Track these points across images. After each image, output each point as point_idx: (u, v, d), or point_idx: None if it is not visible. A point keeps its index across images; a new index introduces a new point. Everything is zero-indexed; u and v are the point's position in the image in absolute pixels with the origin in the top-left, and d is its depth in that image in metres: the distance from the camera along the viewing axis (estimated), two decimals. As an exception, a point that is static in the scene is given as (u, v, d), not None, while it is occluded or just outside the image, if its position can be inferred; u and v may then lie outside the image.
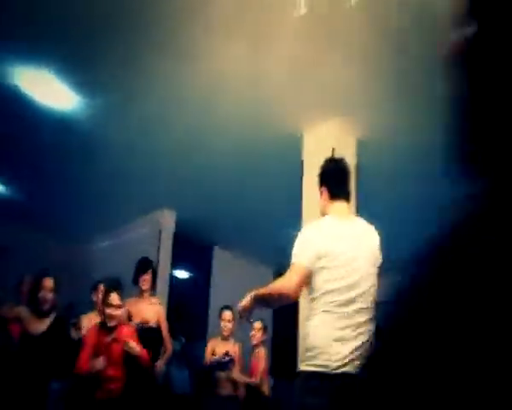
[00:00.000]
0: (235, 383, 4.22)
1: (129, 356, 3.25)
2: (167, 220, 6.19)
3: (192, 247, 7.03)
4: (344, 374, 1.90)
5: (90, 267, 7.23)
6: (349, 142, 3.96)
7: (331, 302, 1.97)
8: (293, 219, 4.22)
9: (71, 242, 7.63)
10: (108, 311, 3.23)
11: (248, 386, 4.31)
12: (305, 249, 2.03)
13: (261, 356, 4.37)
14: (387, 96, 3.54)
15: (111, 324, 3.24)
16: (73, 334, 3.68)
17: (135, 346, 3.25)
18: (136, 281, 4.08)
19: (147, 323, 3.93)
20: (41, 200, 6.22)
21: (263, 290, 2.06)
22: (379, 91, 3.50)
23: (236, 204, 5.69)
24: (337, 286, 1.99)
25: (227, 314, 4.36)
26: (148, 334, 3.79)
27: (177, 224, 6.26)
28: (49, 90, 3.78)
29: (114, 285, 3.32)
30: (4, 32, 3.18)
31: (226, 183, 5.15)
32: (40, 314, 3.26)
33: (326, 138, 3.85)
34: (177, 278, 6.92)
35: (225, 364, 4.14)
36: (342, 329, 1.95)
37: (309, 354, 1.97)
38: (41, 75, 3.60)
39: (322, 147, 3.79)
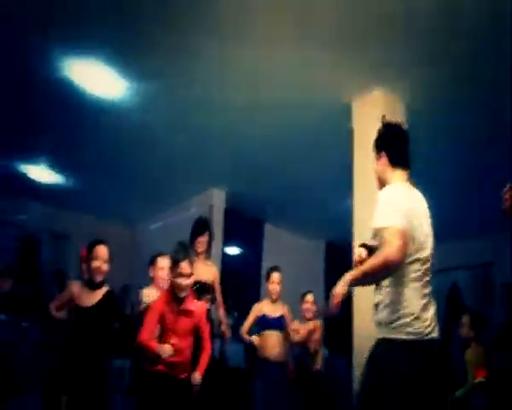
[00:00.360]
0: (285, 349, 4.11)
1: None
2: (217, 199, 6.25)
3: (243, 223, 7.05)
4: (433, 339, 1.95)
5: (143, 249, 7.45)
6: (398, 109, 3.84)
7: (419, 270, 1.97)
8: (343, 190, 4.15)
9: (125, 226, 7.89)
10: (179, 281, 2.98)
11: (298, 357, 4.30)
12: (395, 214, 1.92)
13: (316, 327, 4.30)
14: (436, 63, 3.39)
15: (181, 294, 3.01)
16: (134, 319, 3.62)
17: (199, 378, 3.01)
18: (192, 242, 4.02)
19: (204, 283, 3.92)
20: (96, 187, 6.45)
21: (363, 268, 1.94)
22: (427, 59, 3.36)
23: (286, 178, 5.64)
24: (419, 256, 1.98)
25: (276, 276, 4.18)
26: (204, 292, 3.82)
27: (228, 200, 6.30)
28: (99, 80, 3.88)
29: (183, 254, 3.05)
30: (56, 27, 3.28)
31: (275, 156, 5.09)
32: (93, 286, 3.09)
33: (375, 106, 3.75)
34: (228, 254, 7.02)
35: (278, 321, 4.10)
36: (425, 297, 1.98)
37: (402, 320, 1.92)
38: (92, 66, 3.69)
39: (372, 115, 3.69)
